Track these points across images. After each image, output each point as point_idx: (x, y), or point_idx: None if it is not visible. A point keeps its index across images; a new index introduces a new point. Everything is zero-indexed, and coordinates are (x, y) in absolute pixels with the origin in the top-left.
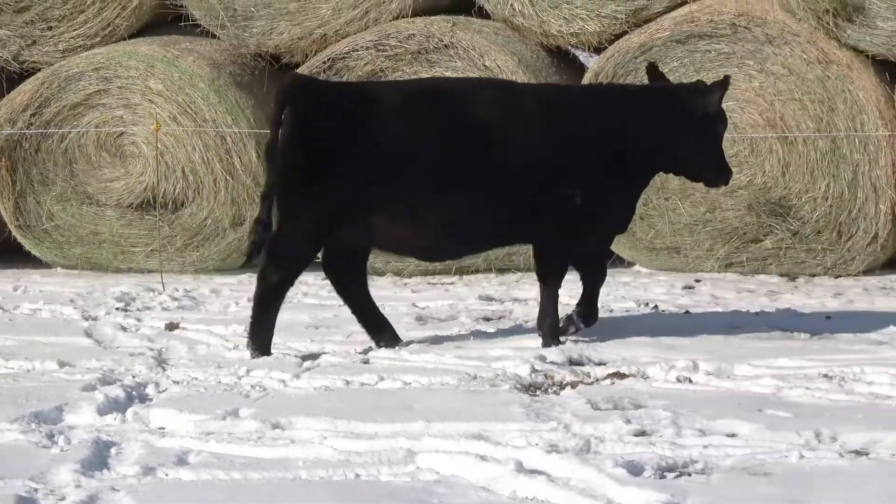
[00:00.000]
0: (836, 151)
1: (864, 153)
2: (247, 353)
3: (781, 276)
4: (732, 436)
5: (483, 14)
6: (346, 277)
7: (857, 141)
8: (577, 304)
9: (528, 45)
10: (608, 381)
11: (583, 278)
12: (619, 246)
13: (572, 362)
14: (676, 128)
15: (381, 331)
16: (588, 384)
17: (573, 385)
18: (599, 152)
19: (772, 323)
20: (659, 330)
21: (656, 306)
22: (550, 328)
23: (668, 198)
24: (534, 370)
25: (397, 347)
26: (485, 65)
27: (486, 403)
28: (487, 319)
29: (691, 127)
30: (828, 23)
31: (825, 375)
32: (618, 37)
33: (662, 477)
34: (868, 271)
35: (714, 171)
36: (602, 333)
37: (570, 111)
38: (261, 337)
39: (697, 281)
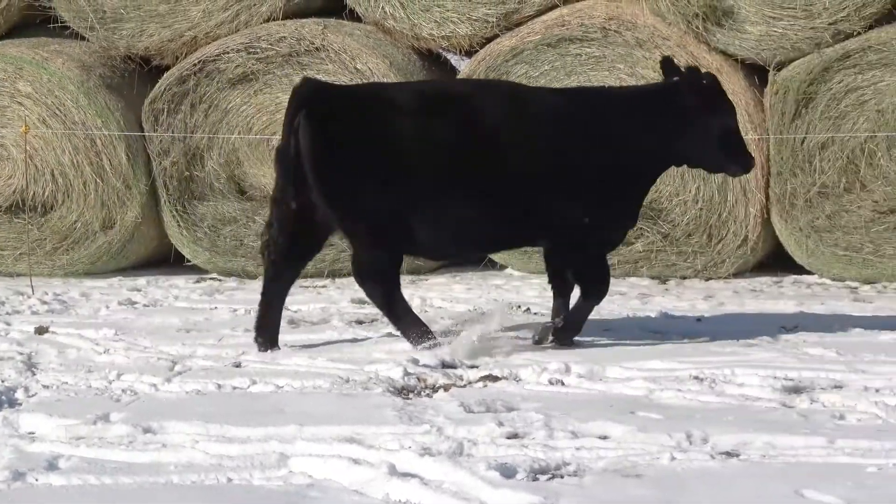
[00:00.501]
0: None
1: None
2: (117, 357)
3: (652, 278)
4: (604, 438)
5: (354, 17)
6: (286, 264)
7: None
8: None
9: (399, 48)
10: (481, 384)
11: (554, 278)
12: None
13: (445, 365)
14: (676, 124)
15: (268, 330)
16: (461, 387)
17: (446, 388)
18: (607, 153)
19: (643, 325)
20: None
21: (528, 309)
22: (571, 338)
23: None
24: (407, 373)
25: (270, 352)
26: (356, 67)
27: (359, 407)
28: (360, 323)
29: (691, 121)
30: (697, 27)
31: (696, 377)
32: (489, 40)
33: (535, 479)
34: (738, 274)
35: (726, 161)
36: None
37: (580, 113)
38: (420, 337)
39: None
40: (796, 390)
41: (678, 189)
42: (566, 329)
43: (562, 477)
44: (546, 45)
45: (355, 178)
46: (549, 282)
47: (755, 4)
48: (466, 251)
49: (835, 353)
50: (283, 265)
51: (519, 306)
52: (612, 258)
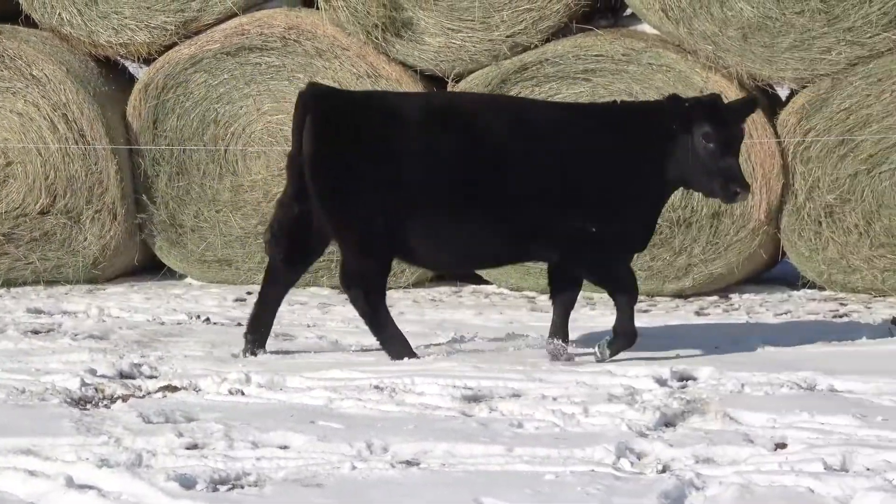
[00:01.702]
0: None
1: None
2: None
3: (333, 288)
4: (285, 448)
5: (31, 23)
6: (285, 267)
7: None
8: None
9: (76, 54)
10: (160, 395)
11: (556, 295)
12: (170, 258)
13: (123, 375)
14: (671, 146)
15: (258, 332)
16: (140, 397)
17: (124, 399)
18: (613, 169)
19: (322, 335)
20: (213, 343)
21: (208, 319)
22: (623, 345)
23: (219, 210)
24: (84, 384)
25: (242, 355)
26: (32, 74)
27: (35, 418)
28: (36, 333)
29: (683, 145)
30: (377, 38)
31: (376, 387)
32: (168, 48)
33: (215, 490)
34: (417, 283)
35: (719, 187)
36: (154, 346)
37: (583, 128)
38: (400, 349)
39: (249, 293)
40: (475, 399)
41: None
42: (620, 340)
43: (242, 487)
44: (225, 53)
45: (351, 183)
46: (551, 298)
47: (434, 16)
48: (465, 265)
49: (512, 362)
50: (281, 269)
51: (198, 316)
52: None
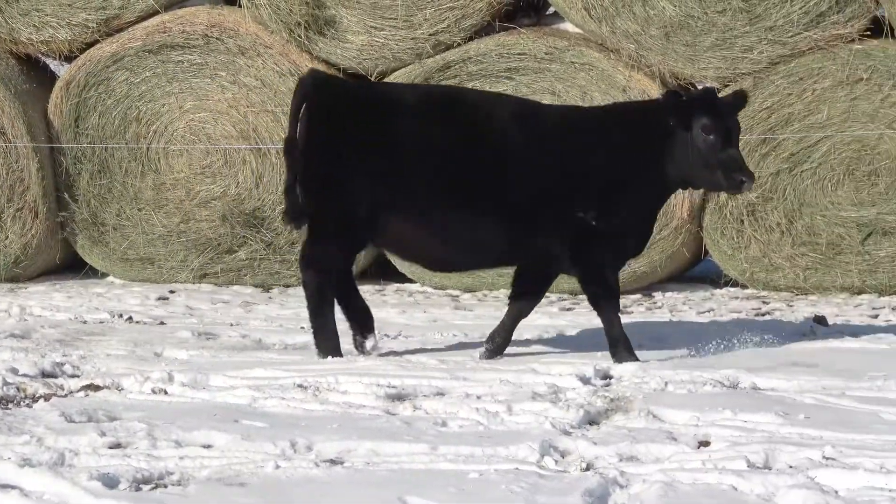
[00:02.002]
0: None
1: None
2: None
3: (256, 286)
4: (208, 447)
5: None
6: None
7: None
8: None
9: None
10: (82, 394)
11: (516, 296)
12: (92, 257)
13: (45, 374)
14: (670, 144)
15: (364, 326)
16: (62, 397)
17: (46, 398)
18: (609, 172)
19: (246, 334)
20: (136, 342)
21: (130, 317)
22: (625, 350)
23: (141, 208)
24: (6, 383)
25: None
26: None
27: None
28: None
29: (682, 142)
30: (300, 35)
31: (300, 386)
32: (90, 45)
33: (138, 489)
34: None
35: (723, 178)
36: (76, 345)
37: (583, 130)
38: (327, 343)
39: (172, 292)
40: (399, 397)
41: (281, 197)
42: (613, 347)
43: (165, 486)
44: (147, 51)
45: (340, 171)
46: (510, 299)
47: (357, 14)
48: (457, 262)
49: (437, 360)
50: None
51: (121, 315)
52: (216, 266)
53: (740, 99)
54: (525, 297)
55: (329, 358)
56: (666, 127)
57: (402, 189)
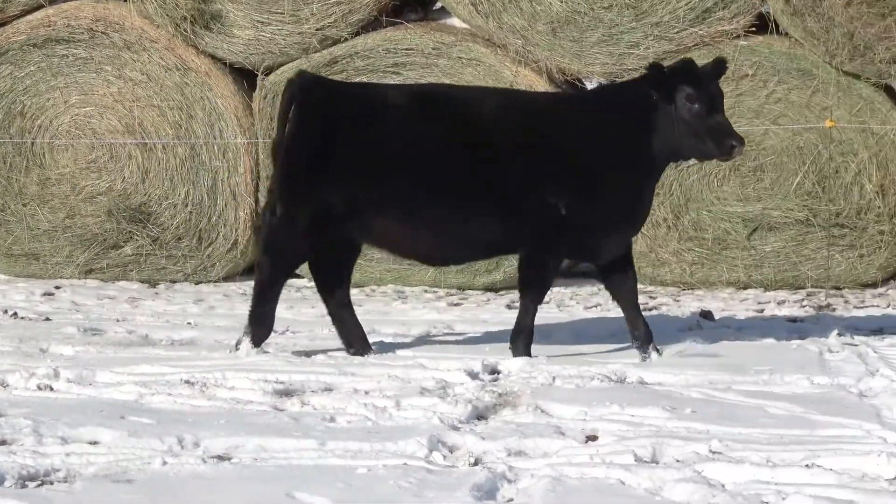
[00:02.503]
0: (196, 158)
1: (223, 160)
2: None
3: (142, 282)
4: (95, 443)
5: None
6: (330, 280)
7: (216, 148)
8: (631, 332)
9: None
10: None
11: (614, 292)
12: None
13: None
14: (655, 119)
15: (353, 337)
16: None
17: None
18: (587, 159)
19: (132, 330)
20: (21, 338)
21: (16, 313)
22: (523, 344)
23: (26, 203)
24: None
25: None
26: None
27: None
28: None
29: (667, 114)
30: (185, 30)
31: (187, 381)
32: None
33: (24, 486)
34: (228, 277)
35: (713, 145)
36: None
37: (562, 118)
38: (257, 330)
39: (57, 287)
40: (287, 393)
41: (167, 192)
42: (515, 336)
43: (51, 483)
44: (32, 45)
45: (319, 166)
46: (610, 293)
47: (243, 9)
48: (446, 256)
49: (324, 355)
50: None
51: (6, 311)
52: (102, 262)
53: (720, 66)
54: (616, 279)
55: (255, 348)
56: (649, 101)
57: (390, 187)
